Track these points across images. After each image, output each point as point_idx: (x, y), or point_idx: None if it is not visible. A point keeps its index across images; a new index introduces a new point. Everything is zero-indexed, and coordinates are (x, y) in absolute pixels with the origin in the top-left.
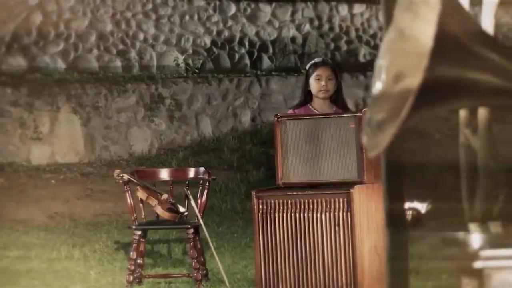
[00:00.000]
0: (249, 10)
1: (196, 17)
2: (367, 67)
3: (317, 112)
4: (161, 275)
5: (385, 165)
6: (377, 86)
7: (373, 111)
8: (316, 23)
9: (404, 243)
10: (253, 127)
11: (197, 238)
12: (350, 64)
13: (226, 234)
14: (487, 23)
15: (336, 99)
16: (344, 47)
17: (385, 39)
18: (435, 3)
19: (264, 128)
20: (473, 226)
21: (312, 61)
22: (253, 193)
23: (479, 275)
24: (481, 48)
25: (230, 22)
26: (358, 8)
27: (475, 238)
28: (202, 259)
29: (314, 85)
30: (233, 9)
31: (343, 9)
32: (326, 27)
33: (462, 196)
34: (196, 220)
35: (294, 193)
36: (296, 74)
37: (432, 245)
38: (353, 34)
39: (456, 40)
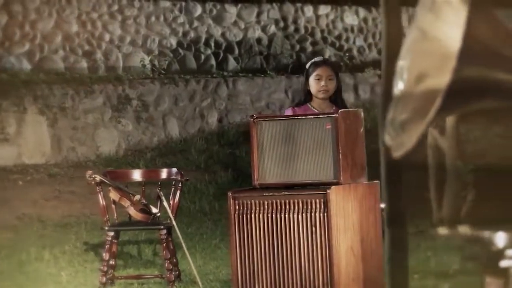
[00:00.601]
0: (214, 11)
1: (162, 18)
2: None
3: (316, 111)
4: (133, 276)
5: (385, 165)
6: (400, 87)
7: (396, 111)
8: (281, 24)
9: (404, 243)
10: (220, 128)
11: (170, 239)
12: None
13: (196, 235)
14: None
15: (336, 98)
16: (309, 48)
17: (406, 39)
18: (458, 4)
19: (231, 129)
20: (441, 229)
21: (312, 60)
22: (230, 193)
23: (504, 274)
24: (506, 49)
25: (196, 23)
26: (323, 10)
27: (500, 237)
28: (174, 260)
29: (313, 85)
30: (198, 10)
31: (308, 11)
32: (291, 28)
33: (431, 196)
34: (169, 221)
35: (271, 193)
36: (262, 75)
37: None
38: (318, 35)
39: (482, 41)
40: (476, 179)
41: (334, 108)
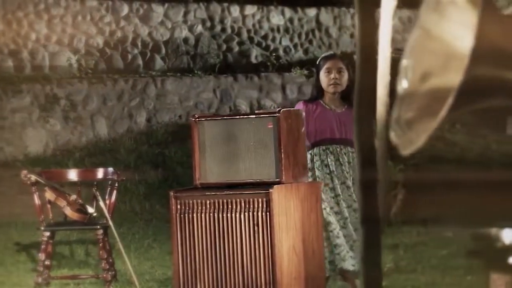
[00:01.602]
0: (141, 11)
1: (88, 17)
2: (259, 68)
3: (327, 108)
4: (69, 276)
5: (360, 160)
6: (404, 85)
7: (401, 110)
8: (208, 24)
9: (378, 241)
10: (149, 128)
11: (106, 239)
12: (242, 65)
13: (128, 235)
14: (385, 26)
15: (348, 96)
16: (236, 48)
17: (409, 39)
18: (464, 4)
19: (160, 129)
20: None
21: (323, 55)
22: (171, 193)
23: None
24: None
25: (122, 23)
26: (249, 10)
27: (507, 233)
28: (111, 260)
29: (323, 79)
30: (125, 9)
31: (235, 10)
32: (218, 28)
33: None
34: (105, 221)
35: (213, 193)
36: (190, 75)
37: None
38: (244, 35)
39: (491, 40)
40: (406, 178)
41: (346, 106)
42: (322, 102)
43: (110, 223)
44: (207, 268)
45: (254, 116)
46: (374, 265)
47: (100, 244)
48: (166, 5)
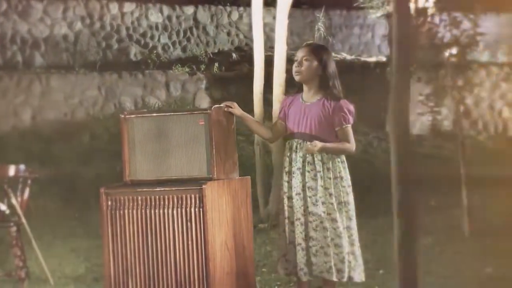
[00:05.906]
0: (20, 7)
1: None
2: (140, 66)
3: (299, 100)
4: None
5: (395, 154)
6: None
7: None
8: (87, 21)
9: (414, 233)
10: (34, 125)
11: (19, 236)
12: (122, 62)
13: (25, 233)
14: (281, 24)
15: (326, 87)
16: (115, 46)
17: None
18: None
19: (46, 126)
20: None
21: None
22: (102, 189)
23: None
24: None
25: (1, 19)
26: (128, 7)
27: None
28: (23, 258)
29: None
30: (4, 5)
31: (114, 8)
32: (97, 25)
33: (258, 193)
34: (18, 218)
35: (145, 189)
36: (75, 72)
37: None
38: (123, 32)
39: None
40: None
41: (319, 97)
42: (301, 95)
43: (23, 220)
44: (139, 265)
45: (185, 113)
46: (410, 254)
47: (13, 242)
48: (45, 1)
